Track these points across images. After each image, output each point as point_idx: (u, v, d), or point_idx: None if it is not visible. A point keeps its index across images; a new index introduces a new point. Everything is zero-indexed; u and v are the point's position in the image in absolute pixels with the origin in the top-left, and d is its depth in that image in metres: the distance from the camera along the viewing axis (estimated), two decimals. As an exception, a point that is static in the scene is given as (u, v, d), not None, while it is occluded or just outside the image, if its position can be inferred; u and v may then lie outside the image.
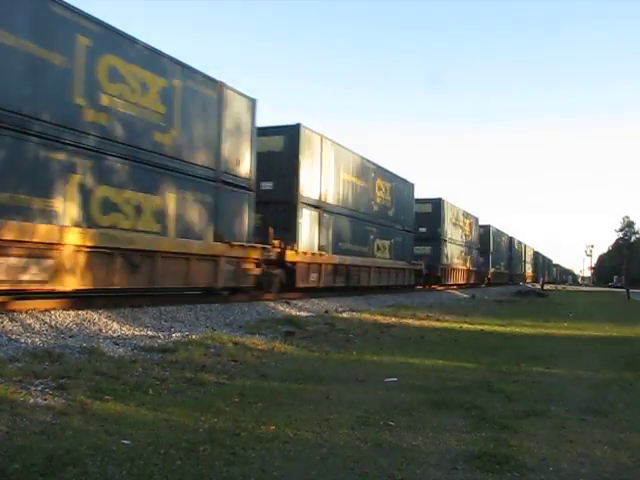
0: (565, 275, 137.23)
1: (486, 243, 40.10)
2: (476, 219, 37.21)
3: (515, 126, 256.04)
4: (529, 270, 66.87)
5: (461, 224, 32.80)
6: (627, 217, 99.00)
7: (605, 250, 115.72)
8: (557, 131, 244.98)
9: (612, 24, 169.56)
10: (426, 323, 13.26)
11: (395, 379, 6.20)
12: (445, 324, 13.21)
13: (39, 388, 4.71)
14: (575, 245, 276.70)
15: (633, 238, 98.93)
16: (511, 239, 51.91)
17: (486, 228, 40.57)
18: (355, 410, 4.78)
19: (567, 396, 5.75)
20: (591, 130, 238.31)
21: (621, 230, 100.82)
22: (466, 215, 34.32)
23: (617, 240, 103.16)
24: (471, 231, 35.57)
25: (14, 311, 7.77)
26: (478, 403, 5.19)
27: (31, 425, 3.82)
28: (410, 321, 13.39)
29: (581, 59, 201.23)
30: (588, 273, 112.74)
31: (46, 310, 8.13)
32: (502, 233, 47.53)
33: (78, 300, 8.95)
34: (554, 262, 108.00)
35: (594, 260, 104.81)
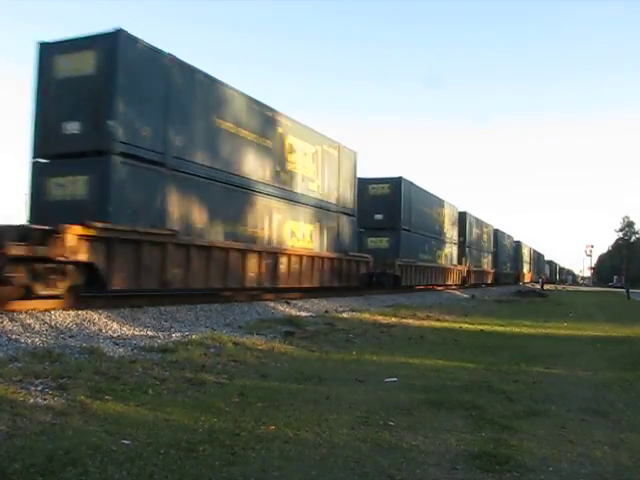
0: (565, 275, 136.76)
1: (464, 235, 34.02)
2: (453, 207, 31.32)
3: (513, 122, 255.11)
4: (525, 269, 63.14)
5: (430, 211, 27.33)
6: (627, 217, 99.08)
7: (605, 250, 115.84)
8: (556, 128, 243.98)
9: (612, 19, 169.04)
10: (426, 323, 13.26)
11: (395, 379, 6.20)
12: (445, 324, 13.21)
13: (39, 388, 4.71)
14: (575, 245, 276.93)
15: (633, 238, 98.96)
16: (496, 232, 44.79)
17: (462, 216, 33.84)
18: (355, 410, 4.78)
19: (567, 396, 5.75)
20: (591, 127, 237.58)
21: (621, 230, 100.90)
22: (439, 202, 28.71)
23: (617, 240, 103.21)
24: (446, 221, 29.74)
25: (14, 311, 7.77)
26: (478, 403, 5.19)
27: (31, 425, 3.82)
28: (410, 321, 13.39)
29: (581, 54, 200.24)
30: (588, 273, 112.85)
31: (46, 310, 8.14)
32: (483, 223, 40.40)
33: (78, 300, 8.95)
34: (546, 258, 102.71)
35: (594, 260, 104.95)
